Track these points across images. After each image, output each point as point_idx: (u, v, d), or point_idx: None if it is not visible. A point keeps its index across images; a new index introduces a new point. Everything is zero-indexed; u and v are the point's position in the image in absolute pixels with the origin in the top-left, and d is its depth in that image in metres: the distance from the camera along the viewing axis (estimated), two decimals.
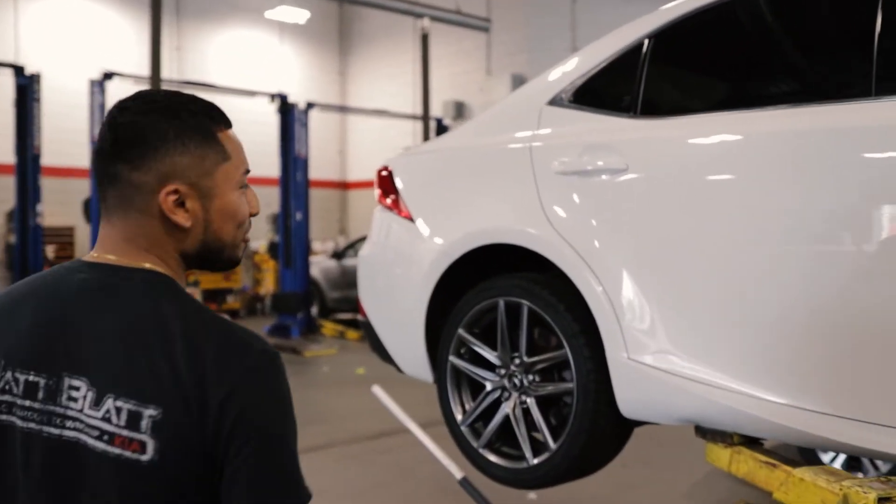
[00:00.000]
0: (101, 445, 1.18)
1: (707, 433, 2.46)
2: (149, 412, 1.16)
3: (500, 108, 3.18)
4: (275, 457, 1.19)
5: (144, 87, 9.78)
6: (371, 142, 17.58)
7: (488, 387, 2.95)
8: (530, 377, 2.84)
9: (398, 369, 3.42)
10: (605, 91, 2.82)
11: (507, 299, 2.87)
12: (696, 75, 2.83)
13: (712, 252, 2.38)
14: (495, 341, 2.92)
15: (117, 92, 9.79)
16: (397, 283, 3.25)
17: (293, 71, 17.11)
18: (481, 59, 16.11)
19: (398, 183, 3.33)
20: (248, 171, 1.35)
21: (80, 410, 1.20)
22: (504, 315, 2.89)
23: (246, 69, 15.89)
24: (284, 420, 1.22)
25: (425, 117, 13.15)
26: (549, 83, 2.94)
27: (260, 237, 14.72)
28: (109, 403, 1.18)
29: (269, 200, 13.83)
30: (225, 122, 1.33)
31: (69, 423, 1.20)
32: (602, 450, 2.74)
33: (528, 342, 2.83)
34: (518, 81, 14.85)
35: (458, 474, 3.93)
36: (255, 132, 15.04)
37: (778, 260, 2.25)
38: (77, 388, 1.20)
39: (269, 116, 12.37)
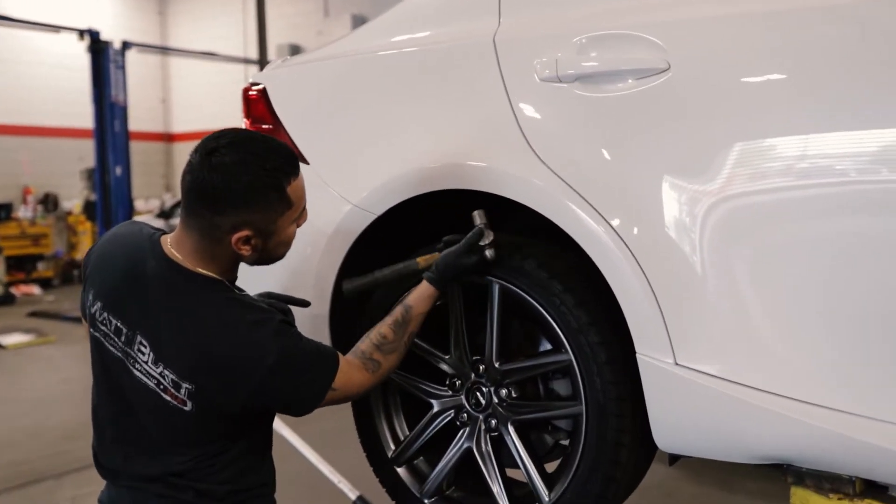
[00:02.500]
0: (157, 390, 1.61)
1: (805, 476, 1.60)
2: (185, 385, 1.59)
3: None
4: (300, 392, 1.66)
5: None
6: (198, 88, 15.97)
7: (436, 407, 1.97)
8: (503, 392, 1.89)
9: None
10: None
11: None
12: None
13: (832, 200, 1.50)
14: (446, 339, 1.94)
15: None
16: (292, 258, 2.18)
17: (104, 10, 15.16)
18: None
19: (277, 108, 2.25)
20: (304, 207, 1.71)
21: (146, 363, 1.62)
22: (460, 300, 1.91)
23: (50, 5, 13.85)
24: (302, 377, 1.64)
25: (262, 61, 11.78)
26: None
27: (74, 196, 12.92)
28: (161, 368, 1.60)
29: (83, 154, 12.12)
30: (294, 173, 1.65)
31: (138, 366, 1.63)
32: (619, 495, 1.83)
33: (501, 341, 1.87)
34: (359, 22, 13.68)
35: (353, 494, 3.08)
36: (61, 77, 13.18)
37: None
38: (144, 346, 1.61)
39: (79, 59, 10.65)
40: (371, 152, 2.05)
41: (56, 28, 10.55)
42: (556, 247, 1.81)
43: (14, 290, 10.45)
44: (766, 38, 1.58)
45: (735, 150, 1.59)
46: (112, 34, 11.23)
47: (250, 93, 2.33)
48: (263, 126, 2.25)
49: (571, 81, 1.75)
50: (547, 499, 1.80)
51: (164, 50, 14.74)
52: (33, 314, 9.08)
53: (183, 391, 1.59)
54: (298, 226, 1.71)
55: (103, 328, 1.68)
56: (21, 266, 11.36)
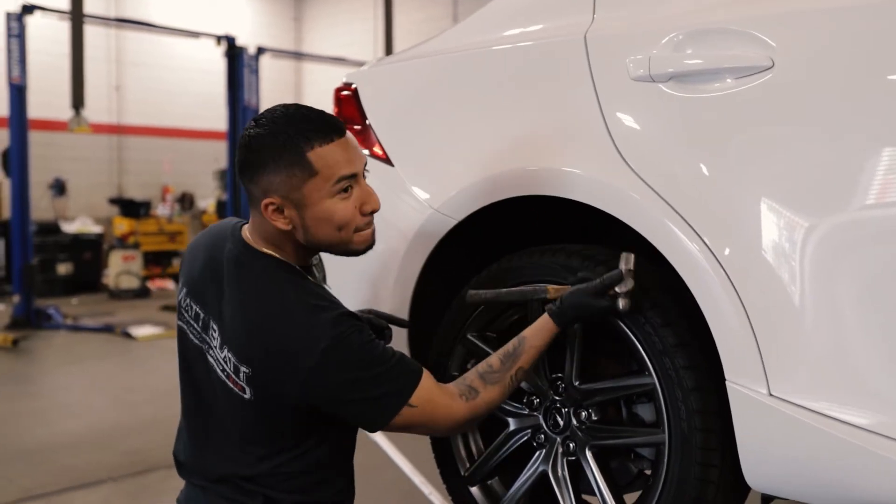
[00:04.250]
0: (222, 377, 1.59)
1: None
2: (243, 369, 1.54)
3: None
4: (360, 394, 1.52)
5: (67, 24, 8.50)
6: (328, 94, 16.35)
7: (512, 425, 1.86)
8: (583, 414, 1.76)
9: None
10: None
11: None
12: None
13: None
14: None
15: (40, 27, 8.42)
16: (371, 261, 2.12)
17: (244, 16, 15.73)
18: (448, 5, 14.91)
19: (366, 108, 2.20)
20: (350, 177, 1.55)
21: (216, 347, 1.60)
22: (540, 312, 1.79)
23: (193, 12, 14.48)
24: (361, 376, 1.51)
25: None
26: None
27: (209, 195, 13.45)
28: (226, 352, 1.57)
29: (217, 155, 12.60)
30: (321, 140, 1.53)
31: (211, 353, 1.62)
32: None
33: (582, 359, 1.75)
34: None
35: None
36: (200, 81, 13.74)
37: None
38: (215, 331, 1.60)
39: (217, 64, 11.07)
40: (453, 155, 1.96)
41: (195, 34, 10.99)
42: (645, 260, 1.67)
43: (150, 284, 10.94)
44: (883, 29, 1.40)
45: (845, 161, 1.41)
46: (250, 39, 11.63)
47: (342, 93, 2.29)
48: (354, 127, 2.20)
49: (665, 81, 1.60)
50: None
51: (296, 55, 15.16)
52: (165, 307, 9.48)
53: (241, 375, 1.55)
54: (361, 202, 1.59)
55: (186, 315, 1.68)
56: (158, 261, 11.88)
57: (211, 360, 1.62)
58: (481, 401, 1.58)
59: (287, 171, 1.52)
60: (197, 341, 1.66)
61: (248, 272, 1.58)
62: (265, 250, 1.60)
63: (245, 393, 1.56)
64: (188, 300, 1.68)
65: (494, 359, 1.61)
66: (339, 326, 1.51)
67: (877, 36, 1.40)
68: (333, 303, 1.57)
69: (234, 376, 1.57)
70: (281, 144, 1.51)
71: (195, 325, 1.66)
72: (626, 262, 1.59)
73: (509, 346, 1.62)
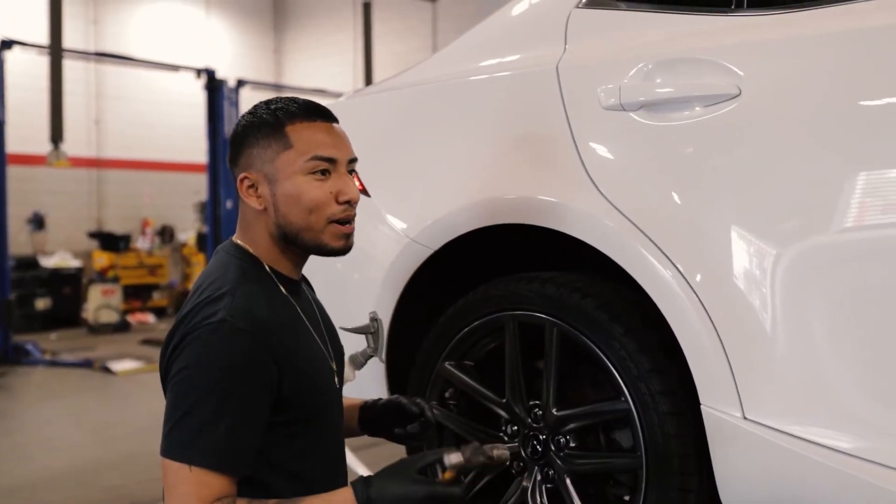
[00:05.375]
0: None
1: None
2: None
3: (496, 19, 2.07)
4: (169, 407, 1.34)
5: (46, 58, 8.51)
6: None
7: None
8: (561, 441, 1.76)
9: None
10: None
11: (522, 314, 1.79)
12: None
13: None
14: (501, 382, 1.84)
15: (19, 62, 8.37)
16: (348, 290, 2.13)
17: (224, 49, 15.77)
18: (427, 36, 15.00)
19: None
20: (328, 160, 1.46)
21: None
22: (517, 341, 1.80)
23: (172, 46, 14.50)
24: (192, 384, 1.32)
25: None
26: None
27: (189, 228, 13.40)
28: None
29: (197, 187, 12.57)
30: (303, 118, 1.48)
31: None
32: None
33: (558, 385, 1.75)
34: None
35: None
36: (180, 114, 13.73)
37: None
38: None
39: (198, 96, 11.09)
40: (429, 185, 1.98)
41: (175, 67, 11.02)
42: (617, 287, 1.69)
43: (130, 318, 10.85)
44: (846, 59, 1.44)
45: (811, 186, 1.44)
46: (230, 72, 11.65)
47: None
48: None
49: (636, 109, 1.63)
50: None
51: (276, 87, 15.19)
52: (146, 342, 9.39)
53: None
54: (339, 200, 1.45)
55: None
56: (138, 295, 11.79)
57: None
58: None
59: (264, 142, 1.45)
60: None
61: (214, 257, 1.51)
62: (238, 241, 1.51)
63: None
64: None
65: (273, 500, 1.34)
66: (233, 324, 1.32)
67: (842, 65, 1.44)
68: (234, 293, 1.37)
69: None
70: (263, 120, 1.47)
71: None
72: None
73: (294, 498, 1.35)
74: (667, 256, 1.56)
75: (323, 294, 1.77)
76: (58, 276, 10.62)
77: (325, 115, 1.51)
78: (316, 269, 1.83)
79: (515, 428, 1.83)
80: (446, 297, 1.97)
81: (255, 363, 1.32)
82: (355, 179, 2.05)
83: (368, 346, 1.72)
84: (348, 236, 1.48)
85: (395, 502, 1.31)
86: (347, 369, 1.68)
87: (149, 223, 13.02)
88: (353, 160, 1.52)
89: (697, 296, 1.52)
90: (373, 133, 2.20)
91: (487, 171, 1.85)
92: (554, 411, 1.74)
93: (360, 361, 1.73)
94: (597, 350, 1.65)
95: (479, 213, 1.83)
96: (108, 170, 13.08)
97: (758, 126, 1.50)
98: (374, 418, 1.65)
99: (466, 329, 1.88)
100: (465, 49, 2.08)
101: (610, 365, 1.63)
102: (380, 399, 1.68)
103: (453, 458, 1.35)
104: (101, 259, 11.34)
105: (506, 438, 1.84)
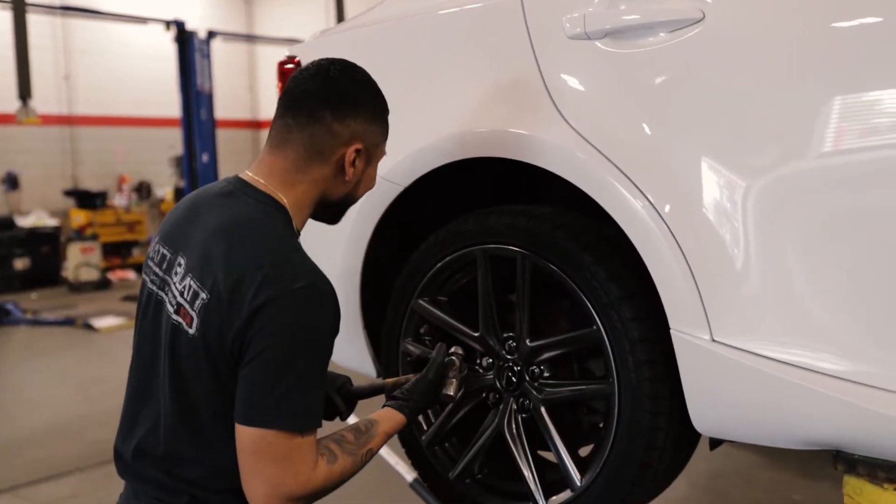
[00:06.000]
0: (175, 318, 1.44)
1: (857, 464, 1.45)
2: (203, 295, 1.39)
3: None
4: (270, 377, 1.34)
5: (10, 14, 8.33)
6: None
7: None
8: (535, 371, 1.78)
9: None
10: None
11: (493, 248, 1.80)
12: None
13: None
14: (474, 315, 1.85)
15: None
16: (318, 230, 2.11)
17: (194, 1, 15.52)
18: None
19: None
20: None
21: (175, 284, 1.45)
22: (488, 274, 1.81)
23: None
24: (293, 350, 1.34)
25: None
26: None
27: (166, 183, 13.28)
28: (188, 281, 1.43)
29: (172, 142, 12.43)
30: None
31: (167, 289, 1.47)
32: (657, 482, 1.71)
33: (531, 316, 1.77)
34: None
35: (409, 476, 3.03)
36: (152, 67, 13.51)
37: None
38: (180, 265, 1.46)
39: (168, 49, 10.90)
40: (398, 122, 1.95)
41: (143, 20, 10.82)
42: (588, 217, 1.69)
43: (110, 276, 10.81)
44: None
45: (780, 113, 1.44)
46: (200, 24, 11.43)
47: (286, 66, 2.28)
48: None
49: (601, 38, 1.62)
50: (578, 483, 1.69)
51: (248, 38, 14.95)
52: (127, 298, 9.37)
53: (198, 304, 1.39)
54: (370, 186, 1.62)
55: (150, 264, 1.53)
56: (117, 252, 11.73)
57: (167, 304, 1.45)
58: (339, 467, 1.42)
59: (381, 124, 1.57)
60: (155, 287, 1.50)
61: (237, 201, 1.46)
62: (271, 191, 1.47)
63: (191, 327, 1.39)
64: (157, 247, 1.53)
65: (348, 433, 1.49)
66: (321, 286, 1.38)
67: None
68: (318, 272, 1.42)
69: (186, 306, 1.41)
70: (381, 98, 1.57)
71: (157, 271, 1.50)
72: (440, 351, 1.70)
73: (360, 424, 1.52)
74: (637, 187, 1.56)
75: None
76: (35, 235, 10.54)
77: None
78: None
79: (490, 360, 1.85)
80: (421, 236, 1.97)
81: (337, 325, 1.43)
82: None
83: None
84: None
85: (421, 399, 1.65)
86: None
87: (125, 179, 12.89)
88: None
89: (667, 224, 1.53)
90: None
91: (457, 106, 1.84)
92: (527, 342, 1.76)
93: None
94: (568, 280, 1.67)
95: (449, 147, 1.82)
96: (80, 126, 12.87)
97: (722, 51, 1.49)
98: None
99: (439, 265, 1.89)
100: None
101: (581, 294, 1.65)
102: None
103: (451, 389, 1.69)
104: (79, 217, 11.24)
105: (481, 371, 1.86)
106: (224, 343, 1.37)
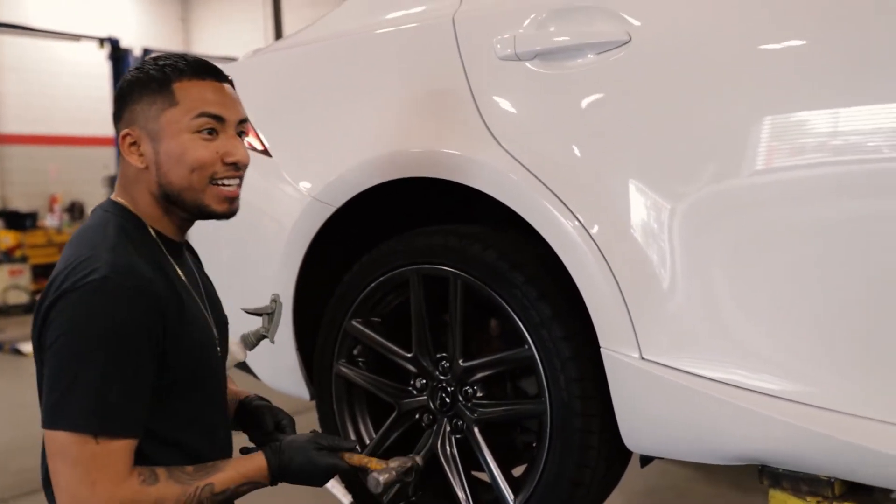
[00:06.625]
0: None
1: (781, 478, 1.48)
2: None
3: None
4: (56, 373, 1.27)
5: None
6: None
7: (400, 408, 1.87)
8: (468, 391, 1.78)
9: (257, 378, 2.29)
10: None
11: (425, 268, 1.79)
12: None
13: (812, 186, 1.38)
14: (408, 337, 1.84)
15: None
16: (250, 253, 2.09)
17: (129, 18, 15.23)
18: (336, 2, 14.82)
19: (243, 99, 2.16)
20: (215, 117, 1.40)
21: None
22: (421, 294, 1.81)
23: (74, 14, 13.95)
24: (80, 344, 1.26)
25: None
26: None
27: (97, 203, 13.02)
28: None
29: (106, 161, 12.19)
30: (191, 76, 1.41)
31: None
32: (590, 499, 1.71)
33: (464, 336, 1.77)
34: None
35: (346, 499, 2.98)
36: (85, 86, 13.25)
37: None
38: None
39: (103, 67, 10.71)
40: (330, 142, 1.96)
41: (76, 37, 10.63)
42: (519, 236, 1.70)
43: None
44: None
45: (701, 132, 1.47)
46: (135, 41, 11.28)
47: None
48: None
49: (531, 59, 1.64)
50: (512, 503, 1.69)
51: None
52: None
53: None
54: (225, 161, 1.39)
55: None
56: (47, 274, 11.37)
57: None
58: (156, 491, 1.29)
59: (149, 98, 1.39)
60: None
61: (91, 215, 1.44)
62: (118, 199, 1.43)
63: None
64: None
65: (190, 466, 1.35)
66: (117, 279, 1.27)
67: (733, 8, 1.47)
68: (132, 267, 1.30)
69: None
70: (150, 76, 1.40)
71: None
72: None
73: (210, 462, 1.38)
74: (567, 208, 1.58)
75: (228, 258, 1.74)
76: None
77: (215, 74, 1.44)
78: (221, 232, 1.80)
79: (424, 381, 1.84)
80: (354, 257, 1.96)
81: (142, 320, 1.28)
82: (250, 141, 2.02)
83: (263, 326, 1.67)
84: (233, 200, 1.43)
85: (300, 470, 1.41)
86: (237, 348, 1.66)
87: (57, 199, 12.59)
88: (244, 121, 1.46)
89: (597, 244, 1.54)
90: (273, 92, 2.17)
91: (390, 126, 1.83)
92: (460, 362, 1.76)
93: (251, 342, 1.68)
94: (500, 299, 1.67)
95: (382, 167, 1.82)
96: (9, 145, 12.56)
97: (648, 73, 1.52)
98: (244, 416, 1.59)
99: (372, 285, 1.88)
100: (367, 2, 2.05)
101: (513, 313, 1.65)
102: (256, 398, 1.62)
103: (382, 477, 1.45)
104: (7, 238, 10.92)
105: (414, 392, 1.85)
106: (36, 348, 1.33)
